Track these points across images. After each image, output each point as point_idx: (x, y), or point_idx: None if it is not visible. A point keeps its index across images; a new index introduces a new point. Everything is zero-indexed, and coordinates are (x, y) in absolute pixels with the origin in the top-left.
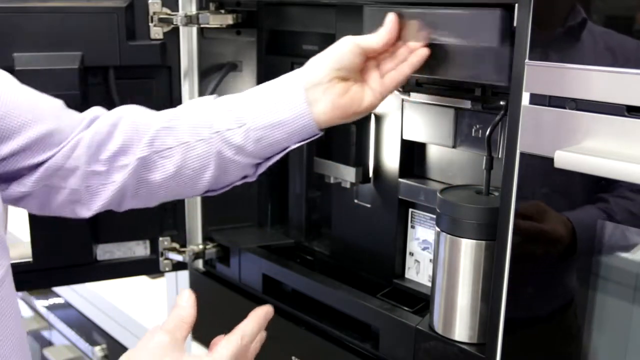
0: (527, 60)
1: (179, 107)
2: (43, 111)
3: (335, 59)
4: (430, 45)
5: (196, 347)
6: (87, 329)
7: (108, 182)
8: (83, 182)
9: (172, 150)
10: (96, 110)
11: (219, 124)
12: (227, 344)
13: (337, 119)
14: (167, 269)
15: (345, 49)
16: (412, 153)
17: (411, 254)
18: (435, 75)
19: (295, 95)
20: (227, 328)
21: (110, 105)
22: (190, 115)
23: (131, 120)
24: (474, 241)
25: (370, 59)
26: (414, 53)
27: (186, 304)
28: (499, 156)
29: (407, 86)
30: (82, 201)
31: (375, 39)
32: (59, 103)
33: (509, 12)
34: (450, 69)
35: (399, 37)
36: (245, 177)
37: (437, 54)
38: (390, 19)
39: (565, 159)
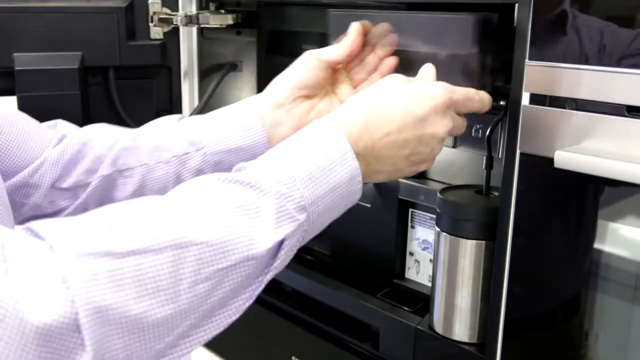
0: (527, 60)
1: (143, 126)
2: (13, 129)
3: (297, 78)
4: (398, 51)
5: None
6: None
7: (72, 198)
8: (46, 198)
9: (133, 171)
10: (64, 128)
11: (177, 147)
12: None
13: None
14: None
15: (307, 65)
16: None
17: (411, 254)
18: None
19: (253, 123)
20: (227, 328)
21: (110, 105)
22: (152, 136)
23: (99, 139)
24: (474, 241)
25: (340, 69)
26: (384, 62)
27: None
28: (499, 156)
29: None
30: (44, 214)
31: (337, 51)
32: (29, 120)
33: (486, 18)
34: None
35: (367, 44)
36: None
37: (407, 59)
38: (354, 28)
39: (565, 159)
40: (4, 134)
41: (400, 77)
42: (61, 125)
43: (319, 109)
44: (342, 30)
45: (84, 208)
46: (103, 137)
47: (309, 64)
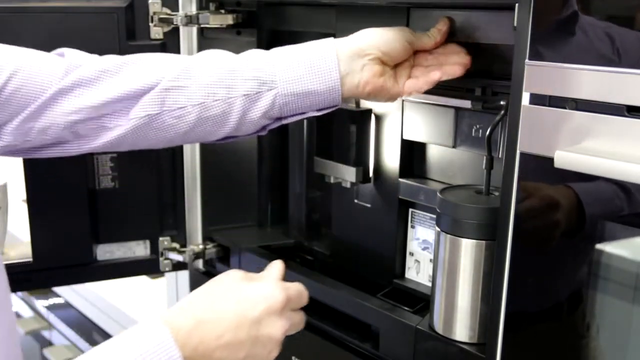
0: (527, 60)
1: (190, 59)
2: (26, 66)
3: (386, 43)
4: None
5: None
6: (87, 329)
7: (97, 128)
8: (65, 130)
9: (185, 110)
10: (75, 57)
11: (246, 86)
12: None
13: (364, 95)
14: (167, 269)
15: (399, 38)
16: (412, 153)
17: (411, 254)
18: None
19: (330, 67)
20: None
21: None
22: (206, 72)
23: (134, 71)
24: (474, 241)
25: (409, 59)
26: (437, 72)
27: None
28: (499, 156)
29: None
30: (70, 143)
31: (428, 41)
32: (39, 54)
33: None
34: None
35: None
36: (255, 132)
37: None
38: (446, 23)
39: (565, 159)
40: (19, 72)
41: (238, 274)
42: (70, 54)
43: (387, 76)
44: (421, 26)
45: (118, 140)
46: (139, 69)
47: (400, 40)
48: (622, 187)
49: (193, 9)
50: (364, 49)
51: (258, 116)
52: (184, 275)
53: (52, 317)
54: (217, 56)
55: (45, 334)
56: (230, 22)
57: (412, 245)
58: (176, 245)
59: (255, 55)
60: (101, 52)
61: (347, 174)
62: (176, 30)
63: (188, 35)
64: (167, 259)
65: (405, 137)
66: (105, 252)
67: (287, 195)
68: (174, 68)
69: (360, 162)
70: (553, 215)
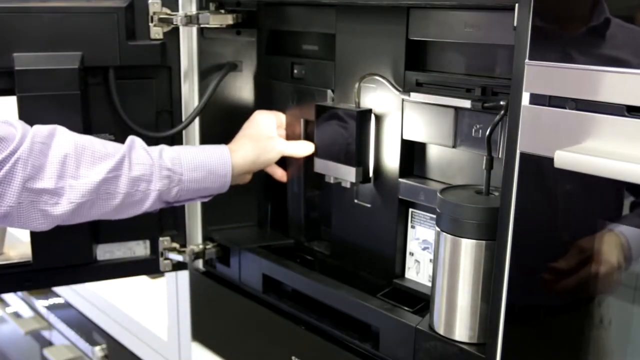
0: (527, 60)
1: (122, 151)
2: None
3: (264, 164)
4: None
5: (196, 347)
6: (87, 329)
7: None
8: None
9: (114, 195)
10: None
11: (158, 183)
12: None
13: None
14: (167, 269)
15: (274, 159)
16: (412, 153)
17: (411, 254)
18: None
19: (226, 173)
20: (227, 328)
21: (110, 105)
22: (134, 166)
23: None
24: (474, 241)
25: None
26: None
27: None
28: (499, 156)
29: (407, 86)
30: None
31: (300, 152)
32: None
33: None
34: None
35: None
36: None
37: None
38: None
39: (565, 159)
40: None
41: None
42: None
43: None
44: (421, 26)
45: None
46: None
47: (274, 158)
48: (622, 187)
49: (193, 9)
50: (246, 169)
51: (163, 205)
52: (184, 275)
53: (52, 317)
54: (142, 154)
55: (45, 334)
56: (230, 22)
57: (412, 245)
58: (176, 245)
59: (171, 155)
60: (101, 52)
61: (347, 174)
62: (176, 30)
63: (188, 35)
64: (167, 259)
65: (405, 137)
66: (105, 252)
67: (287, 195)
68: (108, 161)
69: (360, 162)
70: (553, 215)
